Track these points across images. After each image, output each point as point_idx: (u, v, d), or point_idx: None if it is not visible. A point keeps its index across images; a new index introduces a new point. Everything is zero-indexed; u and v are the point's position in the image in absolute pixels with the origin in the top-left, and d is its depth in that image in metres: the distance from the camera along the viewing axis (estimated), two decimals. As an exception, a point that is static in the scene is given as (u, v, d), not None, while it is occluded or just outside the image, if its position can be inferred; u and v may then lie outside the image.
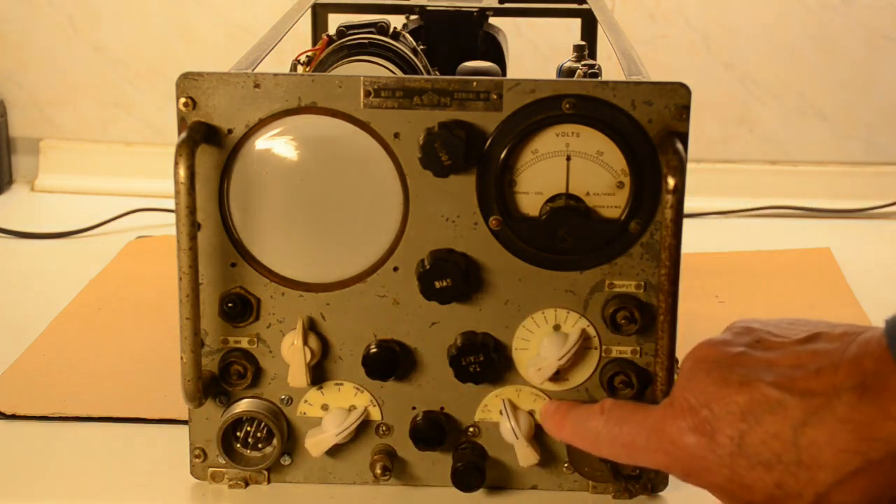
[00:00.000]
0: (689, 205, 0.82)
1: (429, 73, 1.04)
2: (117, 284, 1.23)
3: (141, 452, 0.90)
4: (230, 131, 0.79)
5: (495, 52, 1.15)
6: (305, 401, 0.84)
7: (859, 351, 0.61)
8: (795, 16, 1.55)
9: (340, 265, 0.81)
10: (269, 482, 0.85)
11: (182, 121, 0.79)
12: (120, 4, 1.58)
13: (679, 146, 0.76)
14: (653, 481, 0.84)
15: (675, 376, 0.76)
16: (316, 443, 0.83)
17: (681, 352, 0.74)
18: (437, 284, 0.79)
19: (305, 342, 0.82)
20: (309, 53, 1.04)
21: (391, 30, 1.03)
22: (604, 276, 0.81)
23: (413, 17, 1.17)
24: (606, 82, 0.77)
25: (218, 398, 0.84)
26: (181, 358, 0.79)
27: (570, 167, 0.79)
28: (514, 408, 0.83)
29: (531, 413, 0.83)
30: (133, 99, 1.61)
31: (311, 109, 0.79)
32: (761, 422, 0.62)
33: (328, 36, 1.05)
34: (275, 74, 0.78)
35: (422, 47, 1.08)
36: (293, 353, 0.82)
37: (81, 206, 1.50)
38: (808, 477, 0.61)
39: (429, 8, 1.16)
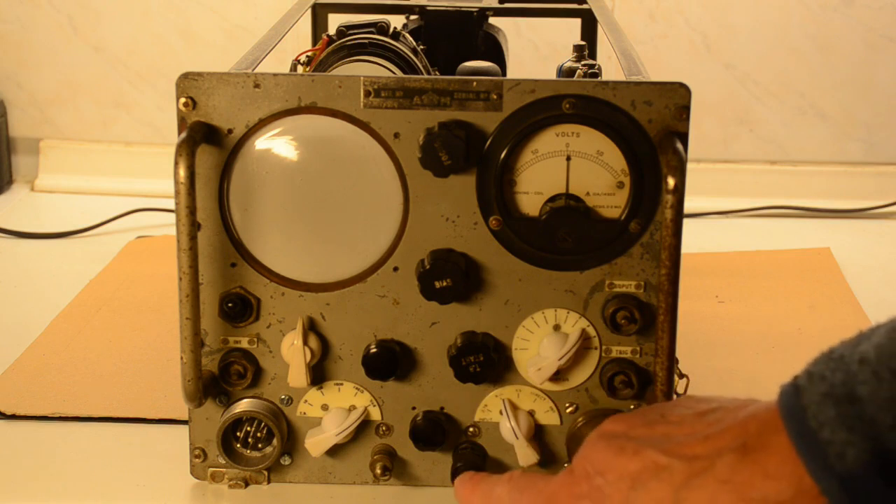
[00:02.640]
0: (689, 205, 0.82)
1: (429, 73, 1.04)
2: (117, 284, 1.23)
3: (141, 452, 0.90)
4: (230, 131, 0.79)
5: (495, 52, 1.15)
6: (305, 401, 0.84)
7: (747, 415, 0.61)
8: (795, 16, 1.55)
9: (340, 265, 0.81)
10: (269, 482, 0.85)
11: (182, 121, 0.79)
12: (120, 4, 1.58)
13: (679, 146, 0.76)
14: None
15: (675, 377, 0.76)
16: (316, 443, 0.83)
17: (681, 352, 0.74)
18: (437, 284, 0.79)
19: (305, 342, 0.82)
20: (309, 53, 1.04)
21: (391, 30, 1.03)
22: (604, 276, 0.81)
23: (413, 17, 1.17)
24: (606, 82, 0.77)
25: (218, 398, 0.84)
26: (181, 358, 0.79)
27: (570, 167, 0.79)
28: (514, 408, 0.83)
29: (531, 413, 0.83)
30: (133, 99, 1.61)
31: (311, 109, 0.79)
32: (647, 487, 0.62)
33: (328, 36, 1.05)
34: (275, 74, 0.78)
35: (422, 47, 1.08)
36: (293, 353, 0.82)
37: (81, 206, 1.50)
38: None
39: (429, 8, 1.15)
